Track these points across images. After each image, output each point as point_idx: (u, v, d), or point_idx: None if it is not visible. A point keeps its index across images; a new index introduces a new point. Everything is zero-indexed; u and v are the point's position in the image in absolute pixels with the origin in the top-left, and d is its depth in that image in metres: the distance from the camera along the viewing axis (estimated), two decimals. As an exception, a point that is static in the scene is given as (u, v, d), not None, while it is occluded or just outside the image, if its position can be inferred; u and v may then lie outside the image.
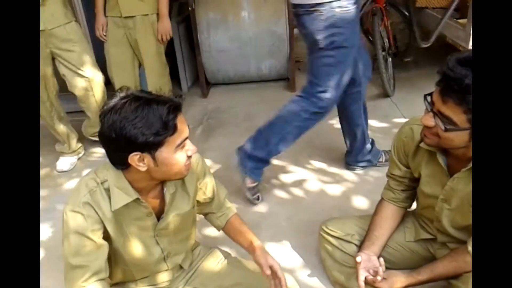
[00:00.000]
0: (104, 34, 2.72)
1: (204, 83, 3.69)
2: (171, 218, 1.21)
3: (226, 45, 3.54)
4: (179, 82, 3.82)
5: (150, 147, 1.00)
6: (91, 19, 2.98)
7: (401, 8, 3.87)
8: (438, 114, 1.07)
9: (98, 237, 1.09)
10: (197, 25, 3.47)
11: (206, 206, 1.38)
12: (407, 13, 3.84)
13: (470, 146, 1.11)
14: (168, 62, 3.91)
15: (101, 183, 1.09)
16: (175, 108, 1.01)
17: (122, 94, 1.02)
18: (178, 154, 1.05)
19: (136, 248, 1.19)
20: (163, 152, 1.02)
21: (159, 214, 1.20)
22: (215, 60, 3.62)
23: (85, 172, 2.56)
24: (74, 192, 1.10)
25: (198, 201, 1.34)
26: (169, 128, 1.00)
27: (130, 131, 0.97)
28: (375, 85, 3.50)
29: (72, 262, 1.08)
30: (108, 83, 2.95)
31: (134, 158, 1.01)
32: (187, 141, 1.08)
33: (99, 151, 2.83)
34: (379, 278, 1.29)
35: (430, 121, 1.10)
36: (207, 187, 1.34)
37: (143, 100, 1.00)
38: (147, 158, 1.02)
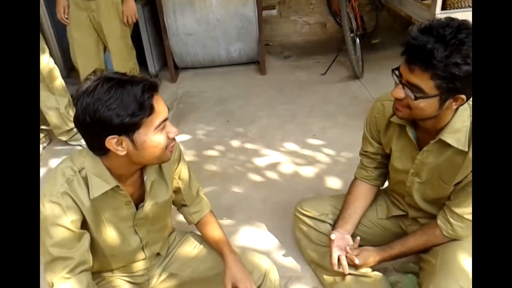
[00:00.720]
0: (66, 17, 2.59)
1: (172, 67, 3.61)
2: (150, 207, 1.18)
3: (194, 28, 3.47)
4: (147, 67, 3.73)
5: (127, 129, 0.96)
6: (51, 1, 2.83)
7: (368, -11, 3.91)
8: (407, 84, 1.09)
9: (77, 227, 1.06)
10: (163, 7, 3.37)
11: (177, 195, 1.34)
12: (374, -5, 3.88)
13: (439, 117, 1.15)
14: (134, 47, 3.78)
15: (79, 171, 1.04)
16: (151, 88, 0.97)
17: (94, 77, 0.98)
18: (158, 136, 1.01)
19: (114, 238, 1.16)
20: (142, 134, 0.98)
21: (138, 202, 1.17)
22: (183, 44, 3.54)
23: (51, 161, 2.47)
24: (50, 182, 1.04)
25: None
26: (145, 108, 0.95)
27: (104, 113, 0.92)
28: (344, 67, 3.55)
29: (53, 253, 1.03)
30: (73, 68, 2.83)
31: (111, 141, 0.97)
32: (168, 123, 1.03)
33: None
34: (354, 257, 1.33)
35: (400, 93, 1.12)
36: (180, 175, 1.30)
37: (116, 80, 0.95)
38: (126, 141, 0.98)
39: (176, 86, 3.57)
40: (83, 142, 2.56)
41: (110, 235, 1.14)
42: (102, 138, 0.96)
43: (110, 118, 0.93)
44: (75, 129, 2.55)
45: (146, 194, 1.15)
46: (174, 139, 1.07)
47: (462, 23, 1.02)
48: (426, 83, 1.05)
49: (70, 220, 1.03)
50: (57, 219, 1.02)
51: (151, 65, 3.73)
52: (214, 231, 1.36)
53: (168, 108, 1.05)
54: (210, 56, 3.67)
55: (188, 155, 2.49)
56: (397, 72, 1.13)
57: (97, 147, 1.01)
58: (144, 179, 1.15)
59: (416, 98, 1.08)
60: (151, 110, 0.97)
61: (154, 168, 1.16)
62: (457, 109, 1.15)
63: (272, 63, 3.92)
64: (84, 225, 1.09)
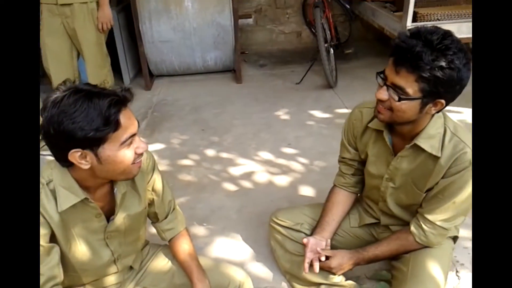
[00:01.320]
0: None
1: (147, 74, 3.57)
2: (122, 220, 1.16)
3: (170, 36, 3.45)
4: (121, 74, 3.68)
5: (91, 143, 0.94)
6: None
7: (341, 1, 3.99)
8: (391, 86, 1.14)
9: (46, 241, 1.03)
10: (139, 14, 3.35)
11: (151, 208, 1.30)
12: (347, 6, 3.97)
13: (416, 122, 1.20)
14: (108, 53, 3.71)
15: (47, 183, 1.02)
16: (118, 102, 0.95)
17: (64, 87, 0.96)
18: (124, 151, 0.99)
19: (84, 252, 1.13)
20: (106, 149, 0.96)
21: (109, 214, 1.14)
22: (158, 51, 3.52)
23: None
24: None
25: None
26: (111, 124, 0.93)
27: (67, 126, 0.91)
28: (319, 76, 3.60)
29: None
30: (44, 75, 2.76)
31: (74, 155, 0.95)
32: (136, 138, 1.02)
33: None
34: (323, 258, 1.35)
35: (384, 94, 1.16)
36: (153, 187, 1.27)
37: (84, 93, 0.93)
38: (90, 155, 0.96)
39: (151, 93, 3.53)
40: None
41: (80, 248, 1.11)
42: (65, 151, 0.95)
43: (73, 132, 0.91)
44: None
45: (117, 206, 1.13)
46: (142, 154, 1.04)
47: (447, 32, 1.09)
48: (410, 85, 1.10)
49: (40, 234, 1.00)
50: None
51: (125, 72, 3.67)
52: (184, 249, 1.32)
53: (140, 119, 1.04)
54: (185, 64, 3.66)
55: (162, 165, 2.46)
56: (382, 75, 1.17)
57: (62, 159, 0.99)
58: (114, 191, 1.12)
59: (399, 100, 1.12)
60: (116, 125, 0.95)
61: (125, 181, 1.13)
62: (433, 115, 1.20)
63: (248, 71, 3.94)
64: (52, 238, 1.06)
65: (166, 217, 1.34)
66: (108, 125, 0.93)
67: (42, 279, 1.01)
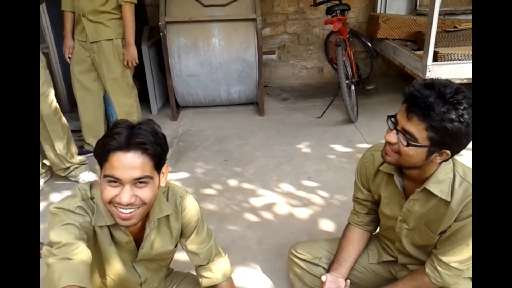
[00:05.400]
0: (70, 56, 2.76)
1: (174, 106, 3.73)
2: (149, 252, 1.22)
3: (197, 70, 3.62)
4: (149, 104, 3.85)
5: (101, 156, 1.02)
6: (59, 37, 2.98)
7: (363, 38, 4.11)
8: (401, 131, 1.19)
9: (84, 232, 1.06)
10: (168, 49, 3.53)
11: (192, 256, 1.33)
12: (369, 44, 4.08)
13: (424, 168, 1.23)
14: (137, 85, 3.90)
15: (91, 198, 1.10)
16: (119, 145, 0.98)
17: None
18: (104, 185, 1.01)
19: (114, 268, 1.19)
20: (102, 171, 1.02)
21: (140, 241, 1.20)
22: (185, 84, 3.68)
23: (52, 196, 2.52)
24: (68, 197, 1.11)
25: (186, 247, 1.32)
26: (105, 153, 1.00)
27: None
28: (340, 111, 3.68)
29: (60, 239, 0.99)
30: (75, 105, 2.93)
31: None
32: (126, 187, 1.00)
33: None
34: None
35: (393, 137, 1.21)
36: (191, 237, 1.29)
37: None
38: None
39: (177, 124, 3.67)
40: (80, 178, 2.62)
41: (111, 264, 1.18)
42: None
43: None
44: (72, 167, 2.62)
45: (144, 240, 1.19)
46: (121, 204, 1.01)
47: (460, 87, 1.14)
48: (420, 132, 1.14)
49: (80, 222, 1.05)
50: (70, 220, 1.03)
51: (154, 103, 3.85)
52: None
53: (167, 148, 1.07)
54: (211, 96, 3.81)
55: (186, 193, 2.54)
56: (393, 119, 1.22)
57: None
58: (146, 224, 1.18)
59: (407, 145, 1.17)
60: (107, 156, 0.99)
61: (159, 218, 1.19)
62: (440, 163, 1.23)
63: (270, 104, 4.06)
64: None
65: (207, 264, 1.34)
66: (105, 147, 1.00)
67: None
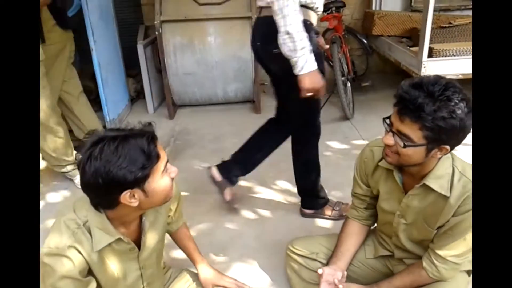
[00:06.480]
0: None
1: (170, 104, 3.73)
2: (152, 246, 1.23)
3: (193, 69, 3.62)
4: (146, 104, 3.85)
5: (139, 181, 1.00)
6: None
7: (358, 35, 4.12)
8: (397, 133, 1.19)
9: (84, 276, 1.09)
10: (164, 48, 3.53)
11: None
12: (364, 40, 4.08)
13: (424, 164, 1.24)
14: (134, 83, 3.90)
15: (83, 224, 1.07)
16: (153, 137, 1.03)
17: (93, 139, 1.00)
18: (164, 179, 1.05)
19: (118, 282, 1.19)
20: (151, 183, 1.02)
21: (139, 242, 1.21)
22: (181, 83, 3.68)
23: (48, 196, 2.51)
24: (55, 235, 1.06)
25: None
26: (153, 159, 1.00)
27: (117, 173, 0.95)
28: (336, 108, 3.69)
29: None
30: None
31: (125, 196, 1.00)
32: (168, 164, 1.08)
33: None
34: (338, 284, 1.38)
35: (390, 140, 1.21)
36: (175, 208, 1.39)
37: (120, 138, 0.98)
38: (138, 192, 1.02)
39: (174, 122, 3.68)
40: (77, 179, 2.60)
41: (115, 278, 1.18)
42: (116, 195, 1.00)
43: (124, 177, 0.96)
44: (68, 167, 2.59)
45: (144, 234, 1.20)
46: (173, 178, 1.10)
47: (449, 82, 1.13)
48: (415, 133, 1.14)
49: (79, 270, 1.06)
50: (67, 271, 1.04)
51: (150, 101, 3.85)
52: (187, 241, 1.50)
53: (163, 147, 1.08)
54: (207, 95, 3.81)
55: (183, 191, 2.54)
56: (388, 121, 1.23)
57: (109, 204, 1.05)
58: (143, 220, 1.19)
59: (405, 146, 1.18)
60: (157, 159, 1.02)
61: (154, 209, 1.21)
62: (440, 157, 1.24)
63: (267, 102, 4.04)
64: (89, 271, 1.12)
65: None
66: (151, 160, 1.00)
67: None
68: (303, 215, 2.26)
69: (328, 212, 2.23)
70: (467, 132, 1.16)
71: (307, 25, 1.74)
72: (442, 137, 1.13)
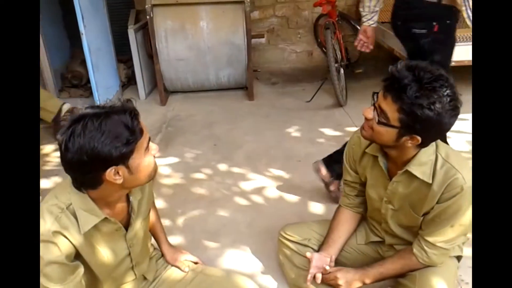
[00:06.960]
0: None
1: (162, 91, 3.69)
2: (139, 225, 1.23)
3: (185, 54, 3.57)
4: (137, 90, 3.81)
5: (125, 157, 1.00)
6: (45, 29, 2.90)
7: (352, 21, 4.09)
8: (377, 108, 1.20)
9: (71, 260, 1.08)
10: (155, 33, 3.48)
11: None
12: (358, 27, 4.05)
13: (402, 150, 1.25)
14: (125, 69, 3.84)
15: (66, 207, 1.06)
16: (135, 113, 1.02)
17: (73, 117, 0.97)
18: (147, 156, 1.06)
19: (108, 262, 1.19)
20: (135, 159, 1.02)
21: (127, 223, 1.21)
22: (173, 69, 3.64)
23: (41, 182, 2.49)
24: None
25: None
26: (137, 134, 1.00)
27: (103, 149, 0.95)
28: (329, 95, 3.68)
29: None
30: (62, 89, 2.87)
31: (110, 173, 1.00)
32: (150, 142, 1.08)
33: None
34: (327, 267, 1.39)
35: (370, 113, 1.22)
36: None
37: (102, 115, 0.97)
38: (122, 169, 1.01)
39: (166, 109, 3.64)
40: None
41: (104, 260, 1.18)
42: (101, 172, 1.00)
43: (109, 152, 0.96)
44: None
45: (134, 213, 1.20)
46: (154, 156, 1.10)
47: (443, 75, 1.12)
48: (393, 113, 1.15)
49: (65, 255, 1.05)
50: (54, 257, 1.04)
51: (141, 87, 3.80)
52: (155, 222, 1.51)
53: (155, 133, 1.11)
54: (199, 81, 3.77)
55: (176, 178, 2.54)
56: (375, 96, 1.23)
57: (91, 183, 1.03)
58: (130, 199, 1.19)
59: (379, 122, 1.19)
60: (141, 134, 1.02)
61: (140, 187, 1.21)
62: (420, 146, 1.23)
63: (259, 89, 4.04)
64: (77, 255, 1.11)
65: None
66: (134, 135, 0.99)
67: None
68: (317, 170, 2.21)
69: (332, 187, 2.21)
70: (443, 130, 1.17)
71: None
72: (415, 126, 1.13)
